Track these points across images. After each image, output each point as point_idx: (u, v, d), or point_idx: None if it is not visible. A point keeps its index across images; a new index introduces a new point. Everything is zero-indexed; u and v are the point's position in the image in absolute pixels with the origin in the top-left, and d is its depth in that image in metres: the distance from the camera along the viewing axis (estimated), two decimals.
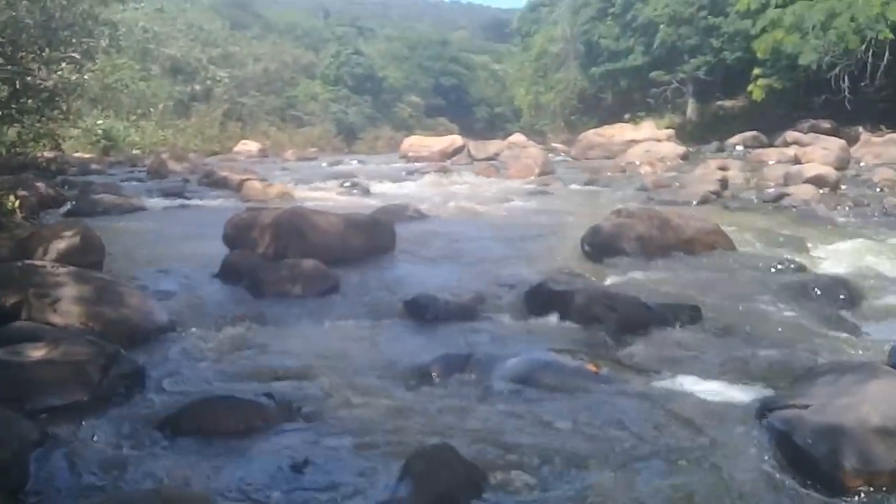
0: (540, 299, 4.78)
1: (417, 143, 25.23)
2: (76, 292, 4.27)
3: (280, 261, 5.72)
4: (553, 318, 4.56)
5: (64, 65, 10.48)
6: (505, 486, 2.57)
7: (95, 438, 2.97)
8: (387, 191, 13.23)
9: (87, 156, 20.36)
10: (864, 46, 19.11)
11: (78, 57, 10.38)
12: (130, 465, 2.76)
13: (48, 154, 14.82)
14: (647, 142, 20.39)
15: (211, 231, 7.13)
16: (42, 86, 9.85)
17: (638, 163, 17.35)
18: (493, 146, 23.14)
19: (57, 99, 10.59)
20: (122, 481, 2.65)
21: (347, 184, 13.70)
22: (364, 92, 46.71)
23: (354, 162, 22.85)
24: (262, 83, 39.89)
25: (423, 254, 6.87)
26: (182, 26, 36.67)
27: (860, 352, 3.99)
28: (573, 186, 13.99)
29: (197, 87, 33.28)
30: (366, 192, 12.82)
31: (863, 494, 2.49)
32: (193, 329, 4.42)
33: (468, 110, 55.11)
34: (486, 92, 57.42)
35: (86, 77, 11.60)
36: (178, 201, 11.21)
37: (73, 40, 10.79)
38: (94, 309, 4.19)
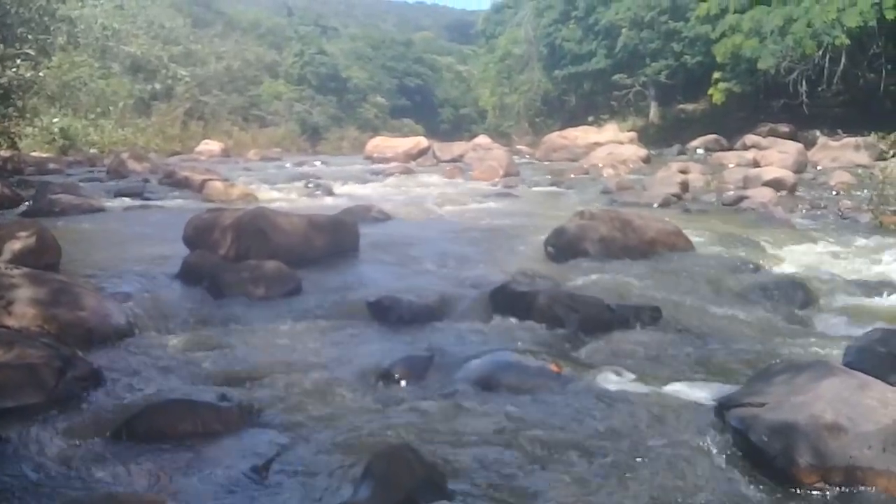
0: (503, 300, 4.79)
1: (382, 143, 25.21)
2: (31, 294, 4.18)
3: (242, 262, 5.66)
4: (516, 319, 4.57)
5: (19, 61, 10.28)
6: (466, 486, 2.57)
7: (49, 442, 2.91)
8: (351, 192, 13.18)
9: (44, 155, 19.95)
10: (820, 52, 19.53)
11: (34, 54, 10.20)
12: (85, 469, 2.71)
13: (4, 153, 14.53)
14: (610, 144, 20.63)
15: (171, 232, 7.03)
16: None
17: (601, 165, 17.53)
18: (458, 148, 23.23)
19: (12, 97, 10.38)
20: (76, 485, 2.60)
21: (311, 184, 13.62)
22: (328, 92, 46.51)
23: (318, 162, 22.72)
24: (224, 82, 39.51)
25: (386, 255, 6.84)
26: (143, 23, 36.10)
27: (816, 351, 4.07)
28: (537, 188, 14.08)
29: (158, 86, 32.83)
30: (330, 192, 12.75)
31: (817, 490, 2.54)
32: (152, 331, 4.36)
33: (433, 111, 55.16)
34: (451, 93, 57.52)
35: (41, 74, 11.40)
36: (138, 202, 11.04)
37: (30, 37, 10.60)
38: (49, 311, 4.11)
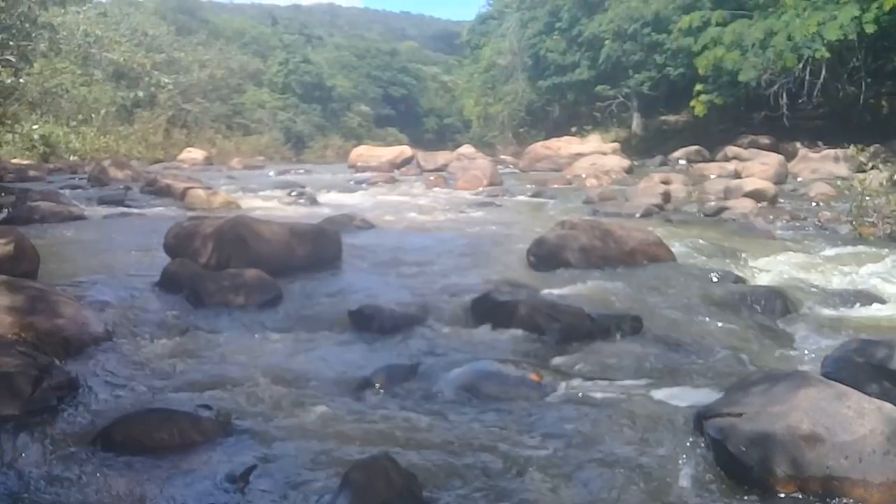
0: (485, 309, 4.80)
1: (366, 152, 25.24)
2: (8, 302, 4.13)
3: (222, 270, 5.63)
4: (497, 328, 4.57)
5: (0, 68, 10.20)
6: (445, 496, 2.57)
7: (25, 452, 2.88)
8: (334, 201, 13.16)
9: (25, 162, 19.82)
10: (801, 65, 19.73)
11: (15, 60, 10.13)
12: (61, 479, 2.68)
13: None
14: (593, 155, 20.74)
15: (152, 240, 7.00)
16: None
17: (584, 175, 17.62)
18: (442, 157, 23.28)
19: None
20: (52, 496, 2.57)
21: (294, 193, 13.60)
22: (312, 100, 46.52)
23: (302, 171, 22.72)
24: (207, 90, 39.41)
25: (369, 264, 6.83)
26: (126, 31, 35.96)
27: (794, 361, 4.09)
28: (520, 198, 14.12)
29: (140, 93, 32.65)
30: (313, 201, 12.73)
31: (794, 500, 2.55)
32: (130, 340, 4.32)
33: (418, 121, 55.31)
34: (436, 103, 57.70)
35: (22, 81, 11.33)
36: (119, 209, 10.96)
37: (11, 43, 10.52)
38: (26, 319, 4.05)
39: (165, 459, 2.83)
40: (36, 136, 21.82)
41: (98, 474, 2.72)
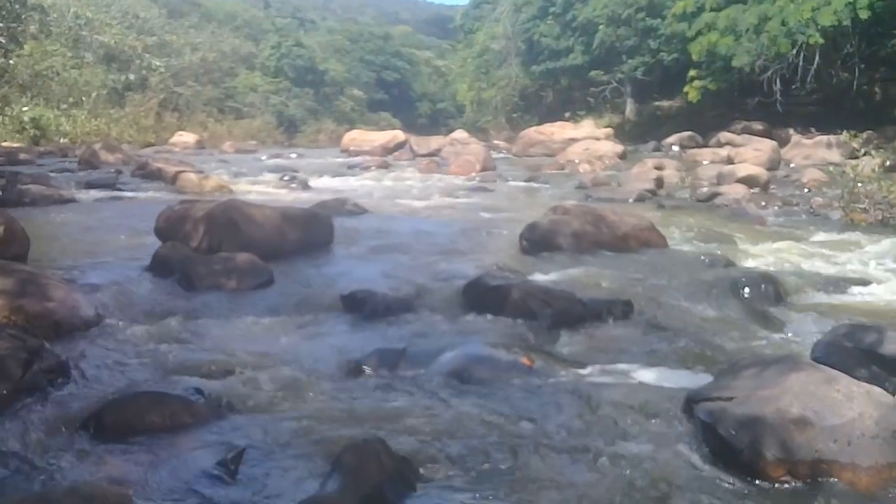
0: (477, 294, 4.80)
1: (359, 137, 25.12)
2: None
3: (214, 254, 5.62)
4: (489, 313, 4.56)
5: None
6: (436, 479, 2.57)
7: (15, 435, 2.87)
8: (327, 185, 13.14)
9: (15, 145, 19.65)
10: (795, 50, 19.72)
11: (4, 42, 10.04)
12: (51, 462, 2.68)
13: None
14: (586, 140, 20.72)
15: (143, 224, 6.97)
16: None
17: (577, 161, 17.59)
18: (435, 142, 23.22)
19: None
20: (41, 479, 2.57)
21: (287, 177, 13.54)
22: (305, 84, 46.29)
23: (294, 155, 22.62)
24: (199, 73, 39.16)
25: (361, 248, 6.83)
26: (117, 13, 35.73)
27: (784, 345, 4.11)
28: (513, 183, 14.10)
29: (132, 76, 32.44)
30: (305, 186, 12.69)
31: (784, 483, 2.56)
32: (121, 323, 4.31)
33: (411, 105, 55.11)
34: (429, 87, 57.50)
35: (12, 63, 11.24)
36: (110, 193, 10.91)
37: (0, 25, 10.41)
38: (16, 302, 4.04)
39: (157, 442, 2.83)
40: (26, 119, 21.66)
41: (89, 457, 2.72)
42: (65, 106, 25.33)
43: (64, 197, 9.86)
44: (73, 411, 3.10)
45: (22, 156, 16.96)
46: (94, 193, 10.76)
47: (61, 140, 23.05)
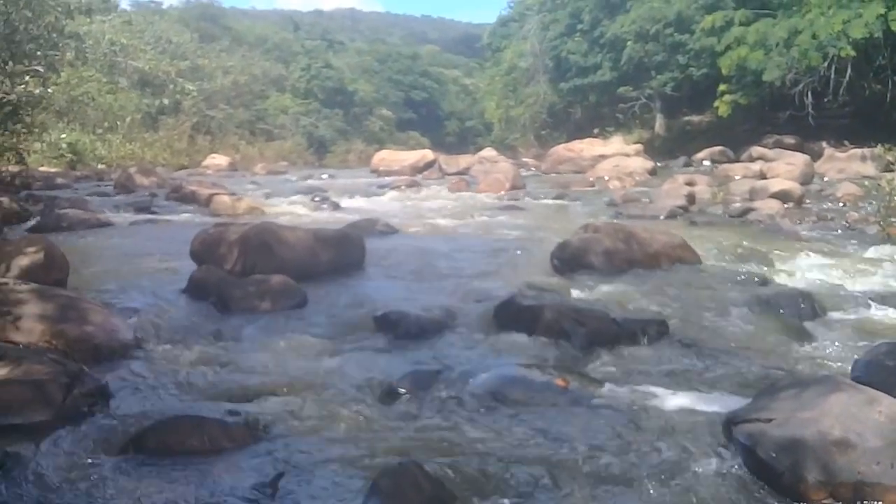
0: (509, 314, 4.80)
1: (388, 157, 25.31)
2: (38, 310, 4.20)
3: (248, 276, 5.68)
4: (522, 333, 4.55)
5: (28, 78, 10.36)
6: (473, 503, 2.57)
7: (57, 459, 2.91)
8: (357, 205, 13.23)
9: (52, 170, 20.11)
10: (826, 63, 19.52)
11: (42, 70, 10.28)
12: (93, 485, 2.71)
13: (12, 168, 14.63)
14: (615, 156, 20.67)
15: (178, 247, 7.06)
16: (5, 99, 9.75)
17: (607, 177, 17.55)
18: (464, 160, 23.30)
19: (21, 112, 10.46)
20: (84, 502, 2.60)
21: (318, 198, 13.68)
22: (335, 105, 46.75)
23: (325, 176, 22.83)
24: (231, 96, 39.73)
25: (393, 269, 6.86)
26: (150, 39, 36.43)
27: (823, 365, 4.05)
28: (543, 201, 14.09)
29: (165, 101, 33.01)
30: (336, 206, 12.80)
31: None
32: (159, 346, 4.37)
33: (439, 124, 55.38)
34: (457, 106, 57.77)
35: (50, 90, 11.50)
36: (146, 216, 11.08)
37: (38, 53, 10.68)
38: (56, 327, 4.12)
39: (196, 466, 2.86)
40: (63, 145, 22.14)
41: (130, 481, 2.75)
42: (100, 131, 25.84)
43: (101, 221, 10.03)
44: (114, 435, 3.14)
45: (59, 180, 17.33)
46: (131, 217, 10.95)
47: (97, 164, 23.51)
